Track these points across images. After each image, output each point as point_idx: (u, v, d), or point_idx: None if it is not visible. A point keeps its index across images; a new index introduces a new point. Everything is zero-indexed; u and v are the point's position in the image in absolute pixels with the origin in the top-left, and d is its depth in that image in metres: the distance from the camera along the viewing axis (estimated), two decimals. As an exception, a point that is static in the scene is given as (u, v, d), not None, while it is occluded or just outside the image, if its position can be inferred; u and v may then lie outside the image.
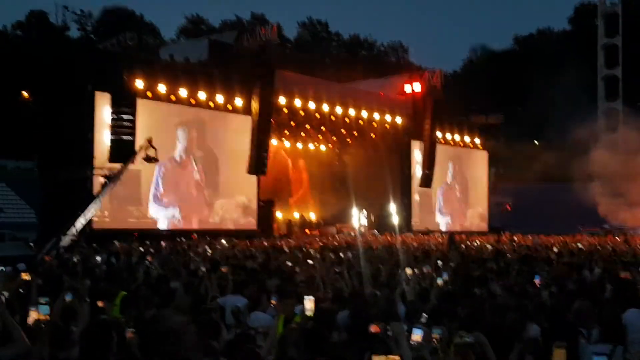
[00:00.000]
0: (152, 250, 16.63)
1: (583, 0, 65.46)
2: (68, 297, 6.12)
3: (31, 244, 20.09)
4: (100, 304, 6.35)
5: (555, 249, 18.42)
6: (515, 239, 26.92)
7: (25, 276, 7.31)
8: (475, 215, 41.80)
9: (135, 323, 5.53)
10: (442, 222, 39.02)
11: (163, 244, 19.04)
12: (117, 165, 22.46)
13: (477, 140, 41.42)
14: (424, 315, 6.17)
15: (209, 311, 5.96)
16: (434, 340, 4.56)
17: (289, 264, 12.13)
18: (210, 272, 9.60)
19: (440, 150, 36.93)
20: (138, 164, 22.83)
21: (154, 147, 22.56)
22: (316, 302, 5.72)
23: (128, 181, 23.25)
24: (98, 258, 13.32)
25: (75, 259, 13.19)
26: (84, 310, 5.66)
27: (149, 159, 22.63)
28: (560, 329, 5.70)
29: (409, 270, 9.47)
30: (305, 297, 5.76)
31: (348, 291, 8.21)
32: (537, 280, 8.09)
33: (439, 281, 8.47)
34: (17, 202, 27.19)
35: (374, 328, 4.72)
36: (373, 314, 6.10)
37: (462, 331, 4.64)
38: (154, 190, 26.00)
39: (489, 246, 20.78)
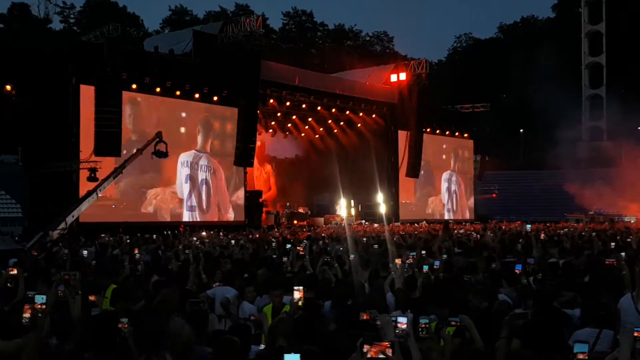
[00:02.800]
0: (139, 242, 16.56)
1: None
2: (60, 289, 6.11)
3: (16, 237, 19.97)
4: (92, 298, 6.34)
5: (541, 236, 18.53)
6: (503, 226, 27.15)
7: (12, 270, 7.26)
8: (462, 203, 42.03)
9: (124, 315, 5.55)
10: (429, 210, 39.18)
11: (154, 236, 18.98)
12: (101, 159, 22.33)
13: (462, 129, 41.58)
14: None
15: (198, 303, 5.97)
16: (423, 328, 4.60)
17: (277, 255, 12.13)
18: (200, 263, 9.60)
19: (426, 139, 37.03)
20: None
21: (164, 142, 22.34)
22: (304, 293, 5.75)
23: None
24: (85, 251, 13.27)
25: (63, 252, 13.12)
26: (77, 303, 5.66)
27: (159, 154, 22.50)
28: (547, 314, 5.76)
29: (398, 260, 9.50)
30: (294, 287, 5.79)
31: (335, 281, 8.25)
32: (518, 270, 8.16)
33: (425, 269, 8.52)
34: (1, 196, 26.93)
35: (364, 316, 4.76)
36: (361, 302, 6.14)
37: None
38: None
39: (475, 234, 20.87)
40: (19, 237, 20.65)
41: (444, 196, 40.72)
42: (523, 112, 50.46)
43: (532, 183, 45.60)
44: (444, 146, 40.63)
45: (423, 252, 11.56)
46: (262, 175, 37.14)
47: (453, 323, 4.76)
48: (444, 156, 40.58)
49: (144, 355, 4.15)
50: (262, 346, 5.13)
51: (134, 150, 23.65)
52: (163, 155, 22.65)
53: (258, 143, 34.64)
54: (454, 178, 41.35)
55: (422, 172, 36.76)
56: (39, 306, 4.76)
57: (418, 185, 37.91)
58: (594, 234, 17.90)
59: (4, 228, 23.13)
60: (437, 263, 8.97)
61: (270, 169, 37.80)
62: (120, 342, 4.62)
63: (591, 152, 46.69)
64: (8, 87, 28.20)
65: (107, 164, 22.88)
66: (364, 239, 18.22)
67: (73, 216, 20.72)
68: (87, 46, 25.51)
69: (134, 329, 4.64)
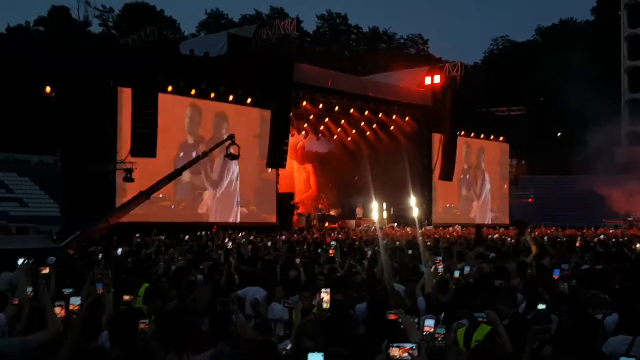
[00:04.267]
0: (173, 242, 16.77)
1: (606, -10, 64.28)
2: (99, 287, 6.26)
3: (54, 237, 20.34)
4: (126, 298, 6.45)
5: (577, 243, 18.24)
6: (537, 232, 26.75)
7: (45, 269, 7.41)
8: (497, 208, 41.51)
9: (156, 314, 5.64)
10: (464, 215, 38.79)
11: (186, 237, 19.18)
12: (137, 160, 22.62)
13: (498, 132, 41.08)
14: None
15: (227, 303, 6.01)
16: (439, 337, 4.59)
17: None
18: (231, 263, 9.69)
19: (461, 142, 36.69)
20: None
21: (237, 145, 22.51)
22: (332, 295, 5.76)
23: (147, 175, 23.36)
24: (119, 250, 13.49)
25: (98, 251, 13.35)
26: (109, 300, 5.78)
27: (231, 157, 22.72)
28: (581, 320, 5.65)
29: (430, 263, 9.46)
30: (322, 289, 5.80)
31: (366, 283, 8.24)
32: (556, 275, 8.04)
33: (456, 274, 8.45)
34: (40, 196, 27.55)
35: (391, 316, 4.75)
36: (391, 304, 6.11)
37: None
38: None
39: (509, 239, 20.66)
40: (57, 235, 21.06)
41: (479, 200, 40.27)
42: (559, 116, 49.63)
43: (568, 188, 44.79)
44: (480, 150, 40.18)
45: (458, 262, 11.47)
46: (302, 175, 37.23)
47: (480, 319, 4.70)
48: (479, 160, 40.13)
49: (165, 352, 4.20)
50: (289, 345, 5.15)
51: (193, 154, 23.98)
52: (235, 157, 22.90)
53: (300, 143, 34.88)
54: (489, 182, 40.86)
55: (456, 175, 36.38)
56: (75, 307, 4.86)
57: (452, 188, 37.55)
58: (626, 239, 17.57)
59: (42, 227, 23.63)
60: (467, 268, 8.91)
61: (310, 168, 37.86)
62: (141, 339, 4.67)
63: (630, 157, 45.65)
64: (48, 89, 28.82)
65: (143, 166, 23.13)
66: (397, 242, 18.16)
67: (119, 216, 20.94)
68: (125, 49, 25.96)
69: (161, 327, 4.69)
